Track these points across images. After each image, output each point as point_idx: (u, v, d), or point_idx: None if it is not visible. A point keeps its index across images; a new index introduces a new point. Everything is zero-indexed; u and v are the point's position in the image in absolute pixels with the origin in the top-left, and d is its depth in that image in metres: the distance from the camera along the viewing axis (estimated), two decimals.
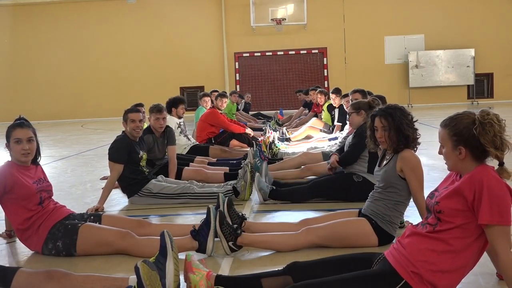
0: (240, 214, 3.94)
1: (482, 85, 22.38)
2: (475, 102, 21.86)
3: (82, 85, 22.66)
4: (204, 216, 3.68)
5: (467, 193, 2.43)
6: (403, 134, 3.50)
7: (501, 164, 2.49)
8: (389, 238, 3.63)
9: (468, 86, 22.11)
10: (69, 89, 22.62)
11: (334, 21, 22.04)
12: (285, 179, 6.10)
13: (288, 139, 10.07)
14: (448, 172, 2.70)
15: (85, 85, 22.65)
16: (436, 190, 2.69)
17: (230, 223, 3.69)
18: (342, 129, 9.13)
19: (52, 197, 3.99)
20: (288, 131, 10.92)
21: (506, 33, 21.60)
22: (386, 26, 21.97)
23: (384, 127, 3.54)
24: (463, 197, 2.44)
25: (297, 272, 2.77)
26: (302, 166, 6.52)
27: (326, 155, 6.89)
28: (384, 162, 3.68)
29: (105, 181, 6.89)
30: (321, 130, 10.34)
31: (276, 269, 2.92)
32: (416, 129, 3.62)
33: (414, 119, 3.62)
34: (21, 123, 3.82)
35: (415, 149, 3.62)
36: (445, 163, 2.63)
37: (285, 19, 21.65)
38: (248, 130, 9.41)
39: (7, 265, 3.62)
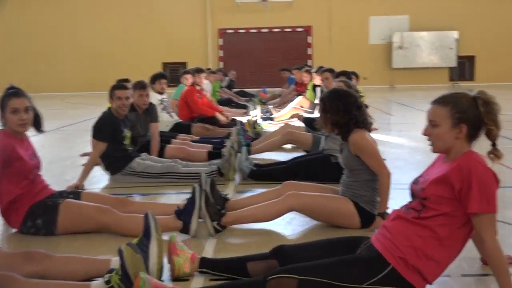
0: (223, 195, 3.91)
1: (464, 68, 22.49)
2: (456, 84, 21.99)
3: (61, 58, 22.16)
4: (187, 195, 3.63)
5: (455, 182, 2.41)
6: (338, 118, 3.60)
7: (494, 144, 2.49)
8: (371, 219, 3.63)
9: (451, 68, 22.20)
10: (47, 62, 22.13)
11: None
12: (268, 150, 6.48)
13: (271, 118, 10.01)
14: (435, 156, 2.67)
15: (64, 59, 22.14)
16: (420, 176, 2.65)
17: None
18: None
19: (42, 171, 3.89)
20: (275, 110, 10.82)
21: (489, 16, 21.63)
22: (371, 6, 21.84)
23: (323, 108, 3.67)
24: (450, 185, 2.42)
25: (283, 256, 2.74)
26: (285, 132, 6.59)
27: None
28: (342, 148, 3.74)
29: (86, 157, 6.82)
30: (305, 111, 10.26)
31: (262, 253, 2.89)
32: (360, 110, 3.67)
33: (357, 102, 3.67)
34: (16, 92, 3.64)
35: (366, 127, 3.69)
36: (430, 144, 2.57)
37: None
38: (221, 117, 8.73)
39: None
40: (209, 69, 13.99)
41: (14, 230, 3.80)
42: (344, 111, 3.60)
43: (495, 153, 2.48)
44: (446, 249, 2.46)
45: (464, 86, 21.30)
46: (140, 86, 6.03)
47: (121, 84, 5.51)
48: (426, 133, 2.56)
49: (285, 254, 2.75)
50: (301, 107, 10.38)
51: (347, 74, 6.39)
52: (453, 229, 2.45)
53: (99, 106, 16.25)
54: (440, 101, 2.52)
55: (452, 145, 2.49)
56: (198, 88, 8.94)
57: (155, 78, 7.72)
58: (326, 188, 3.98)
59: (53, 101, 18.57)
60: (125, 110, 5.29)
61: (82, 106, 16.14)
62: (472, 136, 2.49)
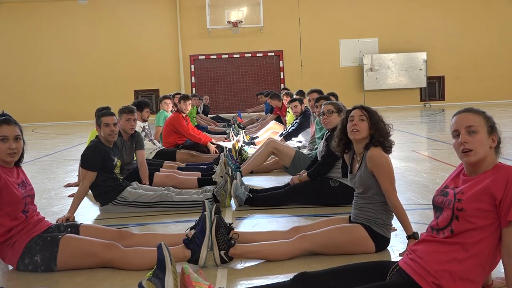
0: (228, 224, 3.78)
1: (434, 88, 22.94)
2: (428, 104, 22.37)
3: (31, 87, 21.81)
4: (185, 224, 3.49)
5: (497, 191, 2.35)
6: (380, 128, 3.53)
7: None
8: (385, 242, 3.56)
9: (421, 88, 22.60)
10: (18, 92, 21.71)
11: (290, 24, 22.10)
12: (257, 166, 6.59)
13: (253, 143, 9.94)
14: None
15: (35, 88, 21.81)
16: (446, 187, 2.58)
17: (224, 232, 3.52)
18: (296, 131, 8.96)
19: (34, 201, 3.68)
20: (246, 135, 10.69)
21: (456, 37, 22.23)
22: (341, 29, 22.21)
23: (362, 116, 3.57)
24: (491, 195, 2.36)
25: (307, 284, 2.62)
26: (271, 159, 6.61)
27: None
28: (357, 166, 3.62)
29: (70, 188, 6.61)
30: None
31: (282, 282, 2.76)
32: (389, 131, 3.66)
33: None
34: (7, 119, 3.45)
35: (390, 150, 3.61)
36: (465, 153, 2.45)
37: (241, 21, 21.53)
38: (211, 146, 8.57)
39: None
40: (188, 94, 13.87)
41: (10, 267, 3.60)
42: (383, 122, 3.59)
43: None
44: (482, 268, 2.39)
45: (435, 106, 21.70)
46: (128, 110, 5.90)
47: (107, 111, 5.35)
48: (463, 140, 2.46)
49: (310, 282, 2.63)
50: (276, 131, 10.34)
51: (335, 96, 6.39)
52: (489, 245, 2.38)
53: (72, 136, 16.14)
54: (471, 110, 2.54)
55: (487, 154, 2.46)
56: (183, 115, 8.75)
57: (143, 106, 7.54)
58: (334, 219, 3.87)
59: (24, 131, 18.10)
60: (114, 137, 5.13)
61: (54, 136, 15.78)
62: (498, 149, 2.51)
